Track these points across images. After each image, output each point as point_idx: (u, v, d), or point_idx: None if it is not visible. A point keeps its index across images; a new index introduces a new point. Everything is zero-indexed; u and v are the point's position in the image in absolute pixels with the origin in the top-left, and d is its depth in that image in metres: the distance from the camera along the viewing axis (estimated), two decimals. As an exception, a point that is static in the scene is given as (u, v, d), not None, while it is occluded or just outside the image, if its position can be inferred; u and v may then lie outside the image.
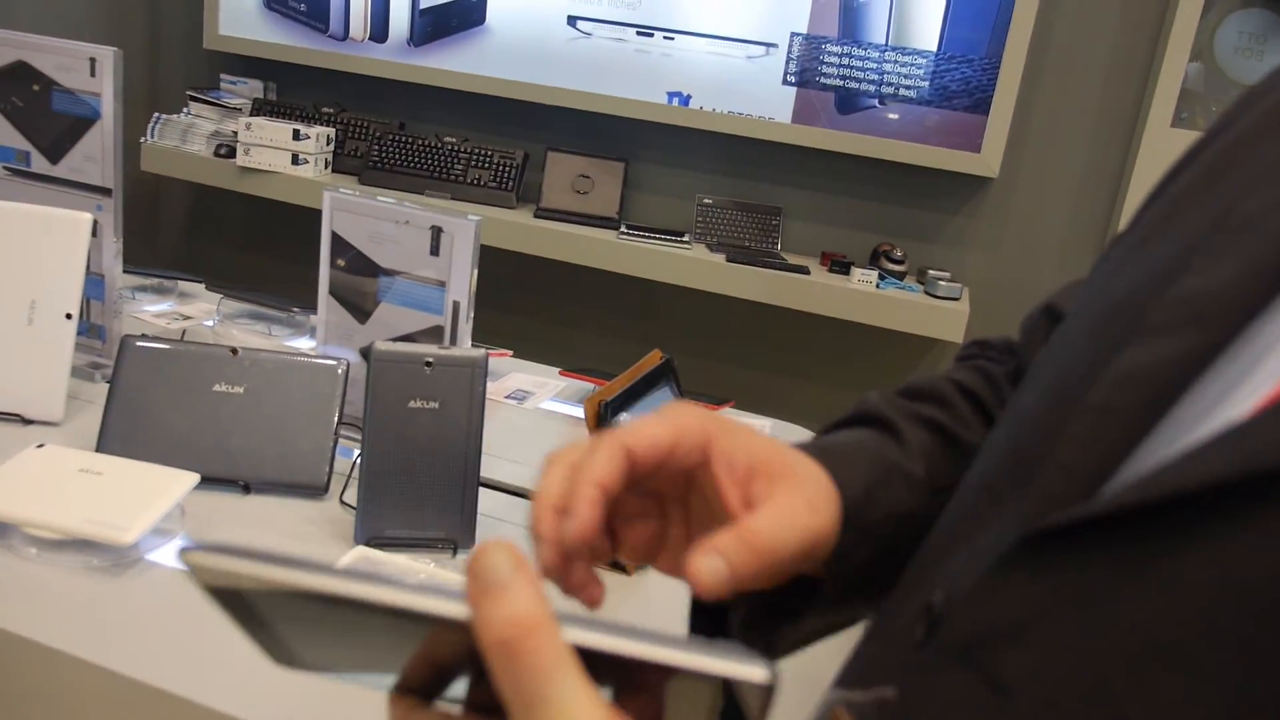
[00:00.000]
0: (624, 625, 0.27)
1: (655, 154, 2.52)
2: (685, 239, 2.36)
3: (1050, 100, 2.24)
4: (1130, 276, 0.37)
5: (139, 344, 1.00)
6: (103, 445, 0.94)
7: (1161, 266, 0.35)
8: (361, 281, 1.06)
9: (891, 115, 2.25)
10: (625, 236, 2.35)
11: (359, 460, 0.91)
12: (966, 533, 0.36)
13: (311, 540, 0.91)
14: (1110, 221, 2.24)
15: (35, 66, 1.17)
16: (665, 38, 2.36)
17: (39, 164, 1.19)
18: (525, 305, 2.60)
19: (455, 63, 2.52)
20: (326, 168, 2.53)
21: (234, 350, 1.00)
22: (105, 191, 1.17)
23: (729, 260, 2.26)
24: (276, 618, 0.29)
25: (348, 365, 1.02)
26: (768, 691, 0.26)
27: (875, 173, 2.35)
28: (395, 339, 1.04)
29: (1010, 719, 0.30)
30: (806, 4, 2.25)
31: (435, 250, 1.02)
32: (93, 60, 1.14)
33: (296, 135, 2.45)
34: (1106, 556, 0.29)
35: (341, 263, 1.06)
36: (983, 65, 2.17)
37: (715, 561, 0.35)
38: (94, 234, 1.12)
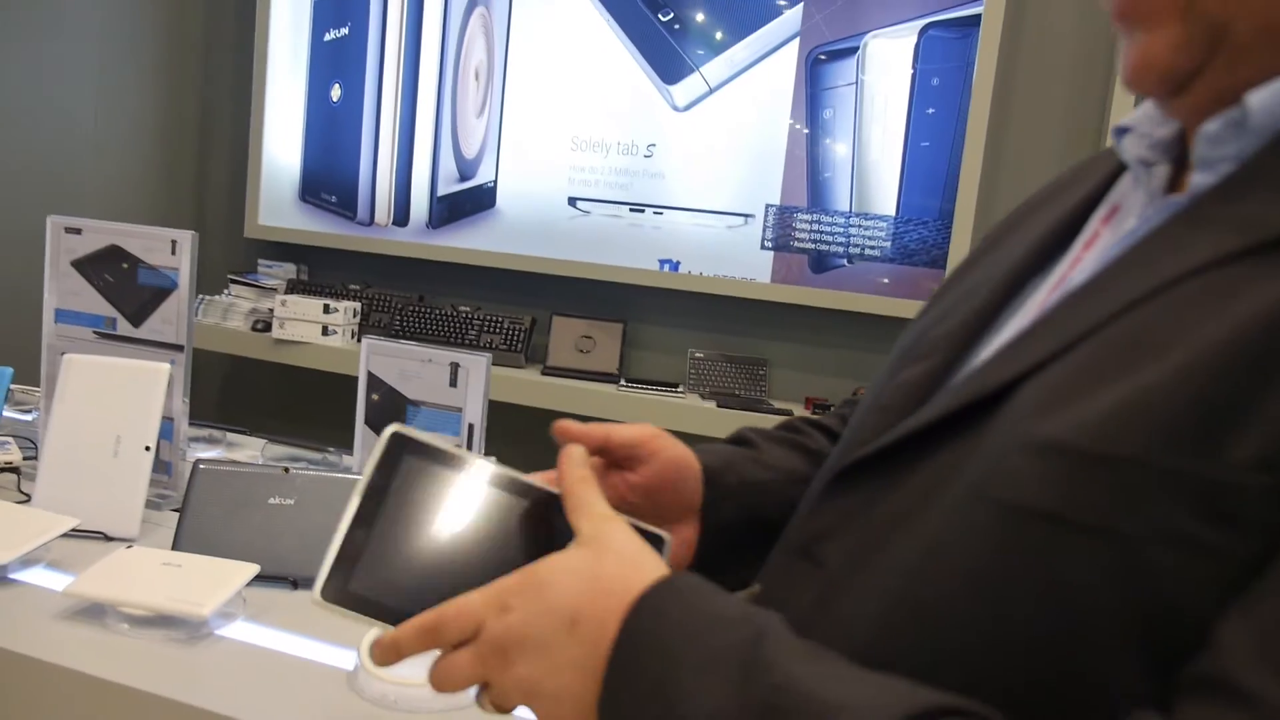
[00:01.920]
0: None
1: (650, 315, 2.78)
2: (679, 389, 2.58)
3: (1001, 254, 2.50)
4: (913, 330, 0.59)
5: (205, 466, 1.20)
6: (178, 546, 1.13)
7: (928, 322, 0.57)
8: (392, 411, 1.27)
9: (860, 272, 2.51)
10: (625, 389, 2.57)
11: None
12: (809, 494, 0.57)
13: (354, 627, 1.08)
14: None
15: (126, 249, 1.42)
16: (655, 212, 2.66)
17: (123, 327, 1.43)
18: (535, 454, 2.79)
19: (469, 241, 2.82)
20: (353, 338, 2.80)
21: (286, 469, 1.20)
22: (177, 348, 1.40)
23: (719, 406, 2.47)
24: (412, 486, 0.50)
25: (380, 479, 1.21)
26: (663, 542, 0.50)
27: (849, 324, 2.59)
28: (420, 458, 1.24)
29: (829, 582, 0.49)
30: (778, 178, 2.56)
31: (454, 383, 1.23)
32: (174, 241, 1.40)
33: (327, 309, 2.72)
34: (873, 480, 0.49)
35: (375, 396, 1.28)
36: (936, 226, 2.45)
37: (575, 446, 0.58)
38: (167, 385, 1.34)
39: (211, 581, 1.02)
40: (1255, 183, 0.42)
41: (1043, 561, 0.39)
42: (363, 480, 0.52)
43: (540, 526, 0.53)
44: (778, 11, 2.52)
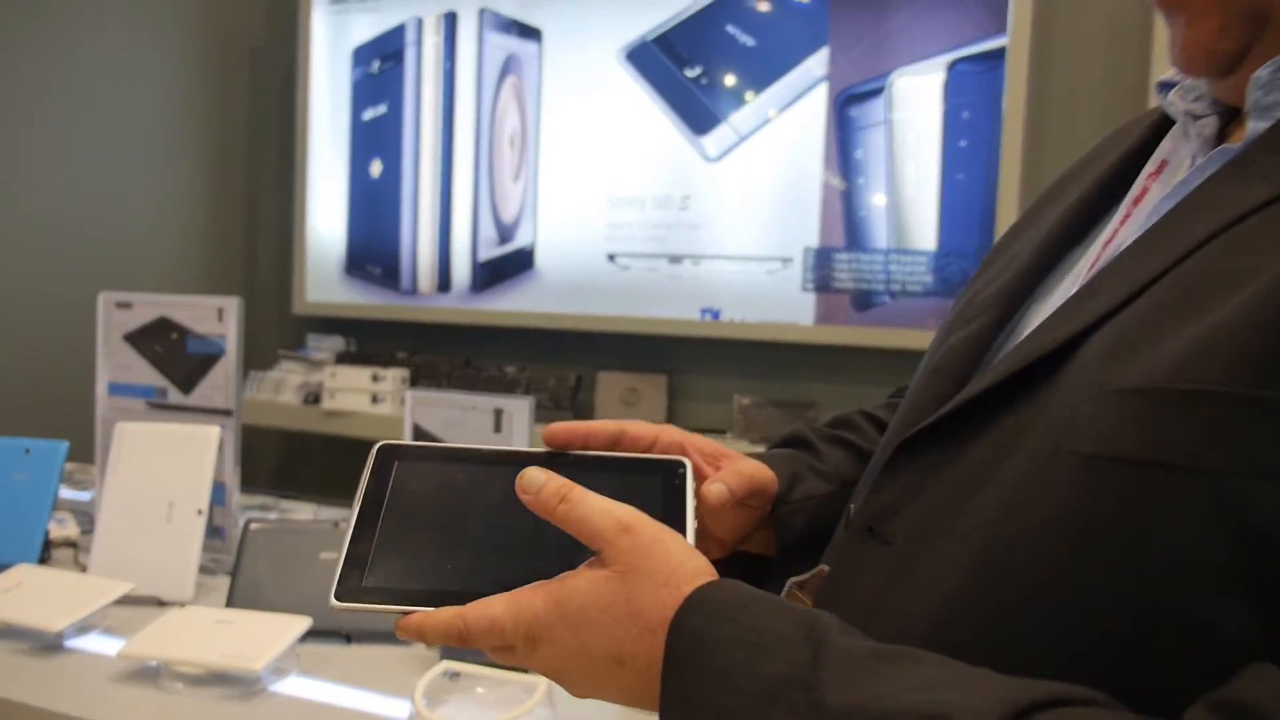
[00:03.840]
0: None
1: (694, 364, 2.77)
2: (727, 435, 2.56)
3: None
4: (963, 297, 0.58)
5: (257, 525, 1.20)
6: (231, 604, 1.13)
7: (977, 288, 0.56)
8: (438, 462, 1.27)
9: (904, 308, 2.49)
10: (673, 440, 2.55)
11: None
12: (869, 474, 0.55)
13: (408, 672, 1.06)
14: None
15: (174, 319, 1.46)
16: (693, 262, 2.67)
17: (174, 396, 1.45)
18: (587, 515, 2.78)
19: (511, 303, 2.85)
20: (403, 405, 2.82)
21: (336, 525, 1.20)
22: (227, 413, 1.42)
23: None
24: (409, 484, 0.51)
25: (429, 530, 1.21)
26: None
27: (897, 361, 2.56)
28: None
29: (899, 558, 0.47)
30: (815, 221, 2.56)
31: (498, 429, 1.23)
32: (220, 309, 1.43)
33: (375, 378, 2.75)
34: (936, 450, 0.48)
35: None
36: (977, 257, 2.42)
37: (719, 485, 0.54)
38: (218, 449, 1.35)
39: (264, 637, 1.02)
40: None
41: (1132, 508, 0.37)
42: (359, 491, 0.52)
43: None
44: (803, 57, 2.54)
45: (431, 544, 0.51)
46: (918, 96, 2.45)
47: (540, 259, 2.83)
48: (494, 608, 0.46)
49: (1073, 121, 2.44)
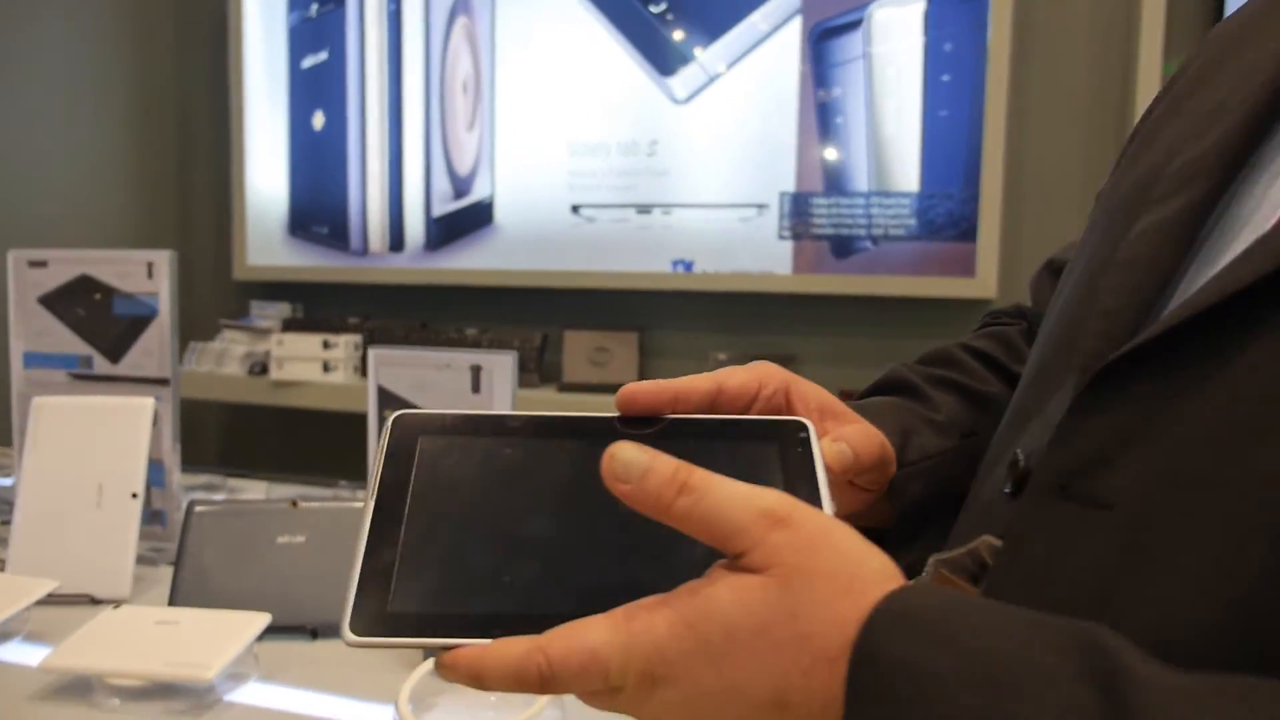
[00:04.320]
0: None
1: (667, 320, 2.63)
2: (706, 395, 2.43)
3: (1034, 218, 2.36)
4: (1131, 179, 0.44)
5: (202, 507, 1.04)
6: (175, 601, 0.97)
7: (1153, 164, 0.41)
8: (409, 428, 1.11)
9: (886, 254, 2.37)
10: (648, 400, 2.41)
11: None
12: (1029, 414, 0.41)
13: (384, 671, 0.92)
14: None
15: (96, 277, 1.28)
16: (663, 212, 2.52)
17: (101, 365, 1.28)
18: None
19: (470, 261, 2.68)
20: (356, 372, 2.64)
21: (294, 503, 1.05)
22: (163, 383, 1.25)
23: (751, 408, 2.32)
24: (440, 469, 0.37)
25: (402, 506, 1.06)
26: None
27: (879, 310, 2.45)
28: (445, 478, 1.09)
29: (1117, 528, 0.33)
30: (791, 164, 2.42)
31: (476, 388, 1.08)
32: (150, 264, 1.25)
33: (326, 345, 2.57)
34: (1166, 374, 0.34)
35: (389, 414, 1.12)
36: (962, 197, 2.31)
37: (841, 446, 0.42)
38: (154, 423, 1.19)
39: (216, 638, 0.87)
40: None
41: None
42: (373, 479, 0.37)
43: None
44: (774, -11, 2.39)
45: (480, 548, 0.37)
46: (897, 29, 2.32)
47: (499, 213, 2.65)
48: (590, 635, 0.32)
49: (1057, 54, 2.32)
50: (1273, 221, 0.34)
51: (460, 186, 2.68)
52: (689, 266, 2.51)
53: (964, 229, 2.31)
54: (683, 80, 2.47)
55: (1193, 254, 0.37)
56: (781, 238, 2.44)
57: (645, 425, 0.39)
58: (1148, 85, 2.16)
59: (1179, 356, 0.33)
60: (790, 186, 2.43)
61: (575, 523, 0.36)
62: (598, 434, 0.39)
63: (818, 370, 2.52)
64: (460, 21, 2.64)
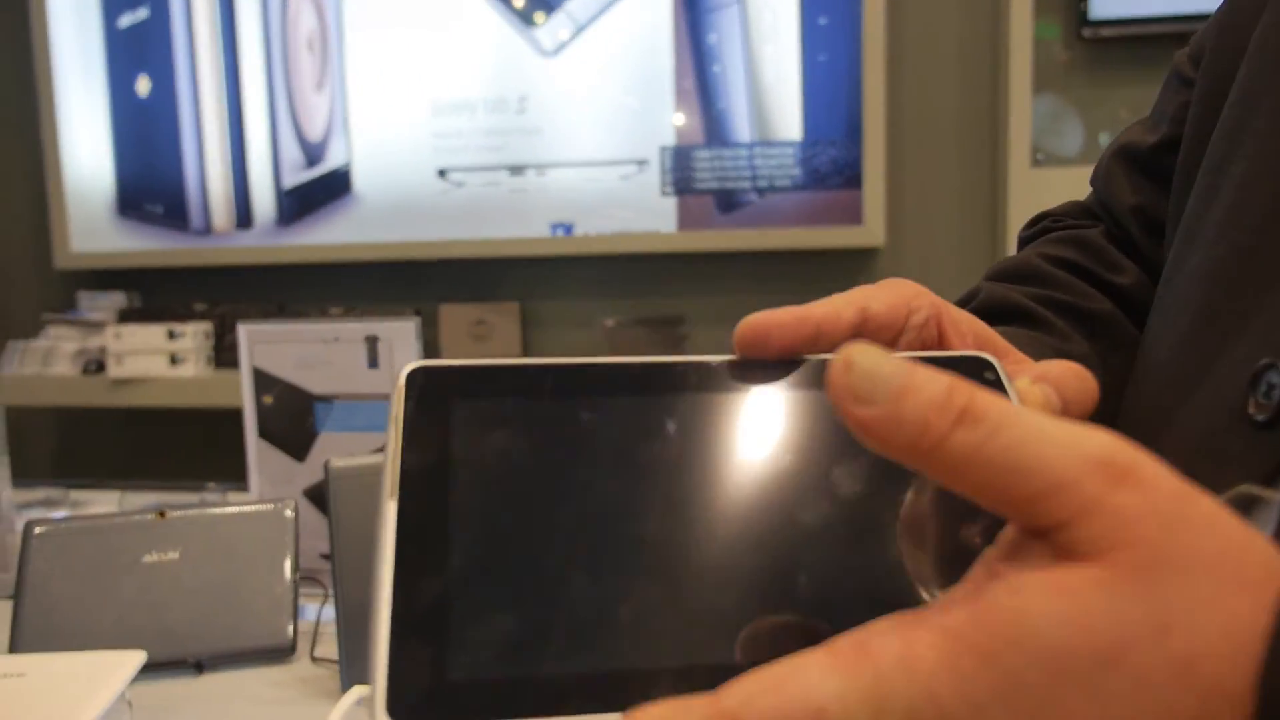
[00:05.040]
0: None
1: (548, 287, 2.49)
2: (596, 363, 2.32)
3: (917, 163, 2.33)
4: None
5: (42, 528, 0.86)
6: (18, 646, 0.79)
7: None
8: (295, 413, 0.95)
9: (772, 206, 2.30)
10: (535, 372, 2.28)
11: (334, 594, 0.78)
12: (1242, 316, 0.31)
13: (291, 705, 0.77)
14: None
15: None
16: (537, 173, 2.37)
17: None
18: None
19: (328, 235, 2.46)
20: (209, 364, 2.40)
21: (160, 513, 0.87)
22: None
23: (646, 374, 2.22)
24: (492, 449, 0.24)
25: (296, 505, 0.90)
26: None
27: (769, 264, 2.38)
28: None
29: None
30: (669, 116, 2.31)
31: (374, 362, 0.93)
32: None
33: (171, 335, 2.32)
34: None
35: (268, 399, 0.96)
36: (846, 144, 2.26)
37: (1044, 388, 0.29)
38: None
39: (77, 688, 0.70)
40: None
41: None
42: (390, 473, 0.24)
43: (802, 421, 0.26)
44: (642, -69, 2.26)
45: (575, 567, 0.23)
46: (772, -29, 2.23)
47: (358, 181, 2.45)
48: (809, 683, 0.19)
49: (930, -5, 2.29)
50: None
51: (312, 153, 2.46)
52: (569, 230, 2.38)
53: (849, 176, 2.26)
54: (549, 31, 2.33)
55: None
56: (664, 194, 2.34)
57: (777, 371, 0.27)
58: (1020, 33, 2.16)
59: None
60: (670, 140, 2.32)
61: (711, 518, 0.24)
62: (712, 386, 0.26)
63: (709, 331, 2.44)
64: (300, -28, 2.41)
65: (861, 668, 0.19)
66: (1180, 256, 0.39)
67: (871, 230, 2.26)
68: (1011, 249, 2.14)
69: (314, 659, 0.84)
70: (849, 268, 2.37)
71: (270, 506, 0.90)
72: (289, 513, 0.90)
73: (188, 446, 2.33)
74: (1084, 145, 2.28)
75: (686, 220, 2.34)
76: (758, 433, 0.25)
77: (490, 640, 0.22)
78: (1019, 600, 0.19)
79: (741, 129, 2.30)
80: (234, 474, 1.09)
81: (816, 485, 0.24)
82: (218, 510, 0.90)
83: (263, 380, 0.96)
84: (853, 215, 2.27)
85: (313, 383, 0.94)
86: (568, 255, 2.39)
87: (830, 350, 0.27)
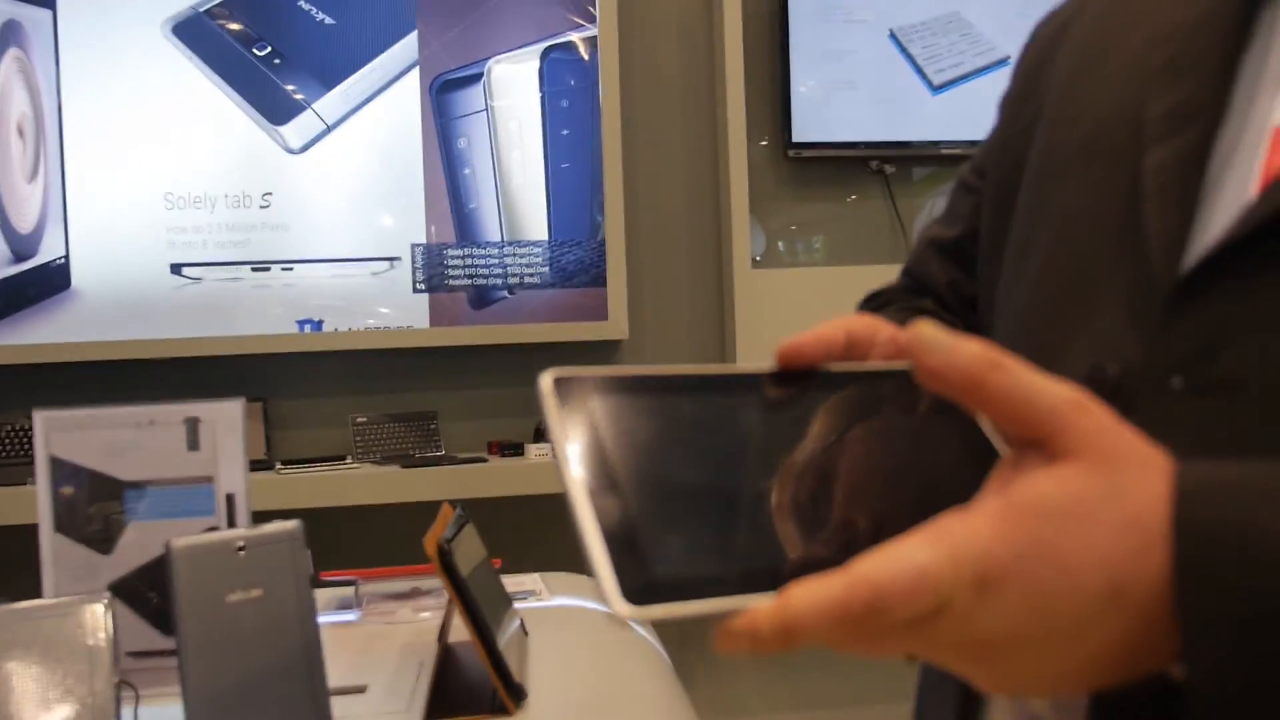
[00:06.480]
0: None
1: (295, 386, 2.42)
2: (348, 461, 2.27)
3: (654, 263, 2.54)
4: (1080, 132, 0.48)
5: None
6: None
7: (1118, 111, 0.46)
8: (99, 505, 0.90)
9: (522, 302, 2.41)
10: (283, 473, 2.20)
11: (181, 682, 0.75)
12: (1065, 336, 0.43)
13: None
14: (724, 355, 2.56)
15: None
16: (284, 269, 2.33)
17: None
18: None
19: (41, 335, 2.26)
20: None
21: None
22: None
23: (404, 467, 2.21)
24: (630, 420, 0.32)
25: (110, 598, 0.85)
26: None
27: (520, 358, 2.46)
28: (156, 559, 0.90)
29: (1244, 408, 0.37)
30: (421, 216, 2.37)
31: (195, 445, 0.91)
32: None
33: None
34: (1262, 267, 0.38)
35: (68, 490, 0.90)
36: (589, 245, 2.43)
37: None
38: None
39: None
40: None
41: None
42: (560, 447, 0.30)
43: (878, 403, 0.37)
44: (391, 40, 2.34)
45: (717, 504, 0.32)
46: (516, 84, 2.39)
47: (78, 276, 2.27)
48: (912, 553, 0.28)
49: (660, 100, 2.53)
50: None
51: (23, 247, 2.26)
52: (318, 326, 2.34)
53: (594, 275, 2.42)
54: (297, 129, 2.33)
55: (1210, 176, 0.41)
56: (417, 290, 2.37)
57: (807, 374, 0.36)
58: (736, 152, 2.45)
59: (1254, 255, 0.37)
60: (421, 238, 2.37)
61: (794, 463, 0.32)
62: (771, 384, 0.35)
63: (462, 425, 2.47)
64: (12, 53, 2.24)
65: (942, 539, 0.29)
66: (1001, 307, 0.52)
67: (616, 324, 2.42)
68: (739, 341, 2.36)
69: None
70: (594, 359, 2.51)
71: (75, 600, 0.85)
72: (102, 606, 0.85)
73: None
74: (800, 249, 2.60)
75: (439, 316, 2.38)
76: (806, 410, 0.34)
77: (673, 551, 0.29)
78: (1031, 484, 0.31)
79: (492, 229, 2.40)
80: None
81: (857, 439, 0.34)
82: (7, 611, 0.83)
83: (62, 471, 0.90)
84: (598, 311, 2.42)
85: (123, 469, 0.90)
86: (316, 351, 2.35)
87: (830, 360, 0.37)
